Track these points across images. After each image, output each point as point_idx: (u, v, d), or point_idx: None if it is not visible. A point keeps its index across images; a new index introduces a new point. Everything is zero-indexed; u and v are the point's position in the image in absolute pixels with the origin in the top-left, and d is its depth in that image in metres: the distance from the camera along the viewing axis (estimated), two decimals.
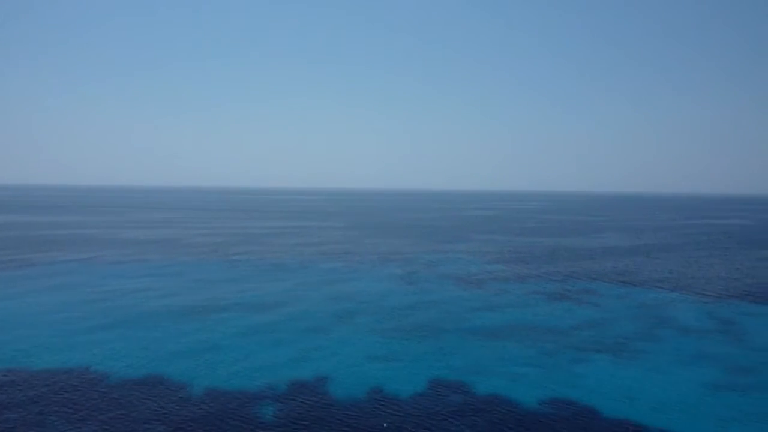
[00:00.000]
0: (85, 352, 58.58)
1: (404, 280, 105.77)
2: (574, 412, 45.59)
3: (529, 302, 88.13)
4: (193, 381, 51.06)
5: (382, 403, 46.77)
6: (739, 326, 73.74)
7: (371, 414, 44.44)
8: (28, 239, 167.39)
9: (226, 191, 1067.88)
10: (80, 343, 61.31)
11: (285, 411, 44.79)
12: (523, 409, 46.08)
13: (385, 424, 42.01)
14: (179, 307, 78.82)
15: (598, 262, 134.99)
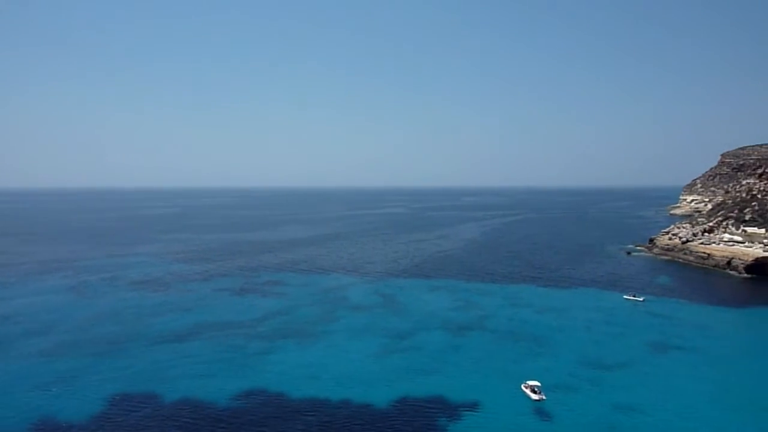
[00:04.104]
0: None
1: (74, 290, 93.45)
2: (264, 400, 47.19)
3: (216, 299, 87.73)
4: None
5: None
6: (398, 299, 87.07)
7: None
8: None
9: None
10: None
11: None
12: (214, 408, 45.62)
13: None
14: None
15: (280, 254, 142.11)
